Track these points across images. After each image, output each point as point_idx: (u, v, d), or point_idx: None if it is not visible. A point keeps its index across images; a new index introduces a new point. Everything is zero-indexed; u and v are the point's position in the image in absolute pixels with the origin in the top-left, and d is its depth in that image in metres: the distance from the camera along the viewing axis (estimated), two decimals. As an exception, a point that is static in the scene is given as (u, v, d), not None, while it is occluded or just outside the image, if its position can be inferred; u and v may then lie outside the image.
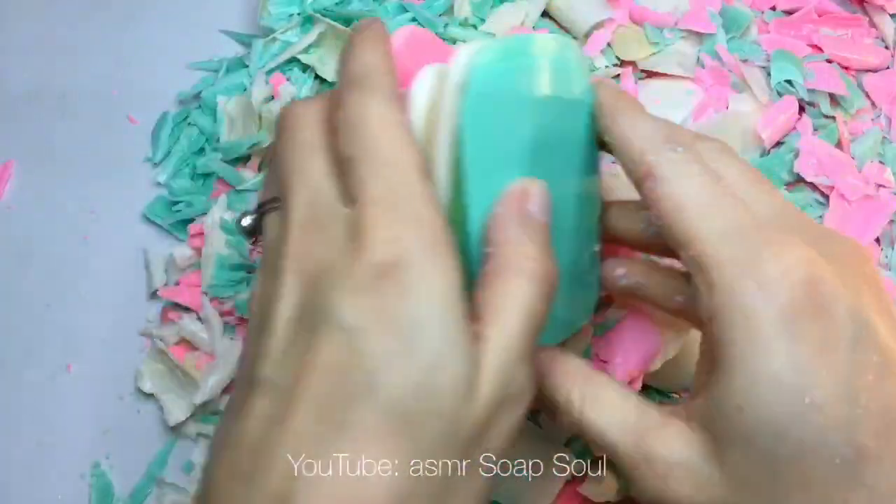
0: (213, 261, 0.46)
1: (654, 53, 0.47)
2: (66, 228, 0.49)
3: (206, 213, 0.47)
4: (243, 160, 0.48)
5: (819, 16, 0.49)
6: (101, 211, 0.49)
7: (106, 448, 0.45)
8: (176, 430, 0.45)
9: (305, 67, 0.49)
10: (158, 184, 0.49)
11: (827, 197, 0.44)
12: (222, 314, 0.45)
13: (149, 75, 0.52)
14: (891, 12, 0.49)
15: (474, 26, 0.49)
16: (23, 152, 0.51)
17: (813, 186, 0.45)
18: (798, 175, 0.45)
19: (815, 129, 0.46)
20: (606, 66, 0.48)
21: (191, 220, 0.48)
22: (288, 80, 0.48)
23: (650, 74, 0.48)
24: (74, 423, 0.46)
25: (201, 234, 0.47)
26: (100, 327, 0.47)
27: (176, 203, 0.48)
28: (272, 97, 0.48)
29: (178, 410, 0.44)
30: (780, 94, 0.46)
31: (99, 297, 0.48)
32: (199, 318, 0.46)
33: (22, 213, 0.50)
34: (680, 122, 0.45)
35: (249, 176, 0.47)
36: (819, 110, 0.46)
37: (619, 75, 0.48)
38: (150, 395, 0.45)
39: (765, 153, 0.46)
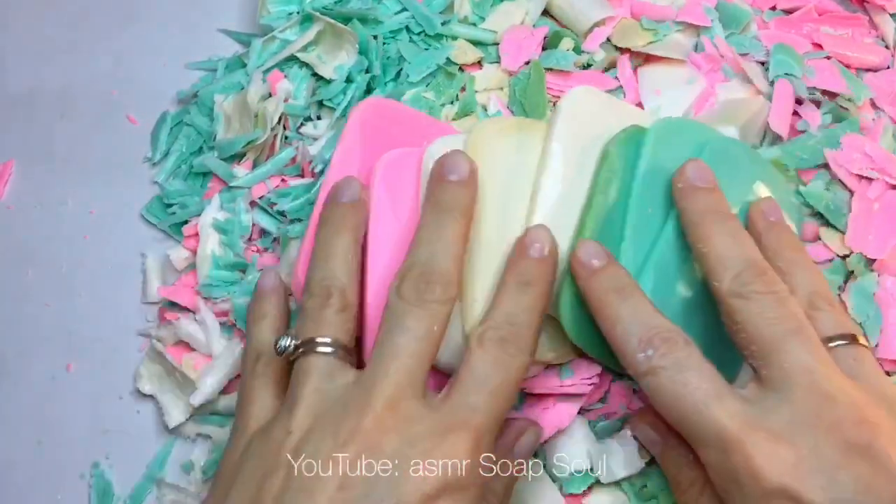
0: (209, 261, 0.46)
1: (651, 42, 0.47)
2: (66, 228, 0.49)
3: (199, 214, 0.47)
4: (238, 157, 0.48)
5: (819, 15, 0.49)
6: (101, 211, 0.49)
7: (106, 448, 0.45)
8: (175, 431, 0.45)
9: (304, 65, 0.49)
10: (156, 183, 0.49)
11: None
12: (218, 315, 0.45)
13: (148, 75, 0.52)
14: (891, 12, 0.49)
15: (474, 24, 0.49)
16: (23, 152, 0.51)
17: (841, 183, 0.45)
18: (825, 161, 0.44)
19: (837, 121, 0.46)
20: (605, 53, 0.48)
21: (185, 222, 0.48)
22: (286, 76, 0.48)
23: (647, 58, 0.47)
24: (74, 423, 0.46)
25: (197, 234, 0.47)
26: (100, 327, 0.47)
27: (170, 206, 0.48)
28: (269, 95, 0.48)
29: (176, 412, 0.44)
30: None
31: (99, 297, 0.48)
32: (196, 320, 0.46)
33: (22, 213, 0.50)
34: (683, 113, 0.45)
35: (242, 172, 0.47)
36: (834, 103, 0.46)
37: (614, 65, 0.47)
38: (149, 396, 0.45)
39: (775, 142, 0.46)
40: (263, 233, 0.46)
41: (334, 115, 0.47)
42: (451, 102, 0.47)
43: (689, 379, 0.33)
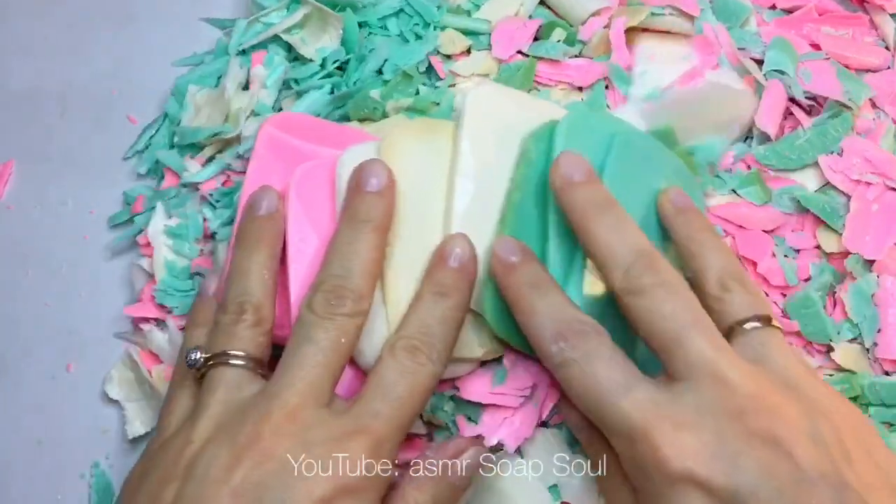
0: (163, 268, 0.46)
1: (649, 17, 0.47)
2: (66, 228, 0.49)
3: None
4: (197, 149, 0.48)
5: (819, 14, 0.49)
6: (101, 211, 0.49)
7: (106, 448, 0.45)
8: (136, 441, 0.45)
9: (287, 46, 0.48)
10: (140, 174, 0.49)
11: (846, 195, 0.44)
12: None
13: (148, 75, 0.52)
14: (891, 12, 0.48)
15: (468, 13, 0.49)
16: (23, 152, 0.51)
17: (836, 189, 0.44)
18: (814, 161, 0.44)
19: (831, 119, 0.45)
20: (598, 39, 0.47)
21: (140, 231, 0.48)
22: (265, 59, 0.48)
23: (645, 31, 0.47)
24: (74, 423, 0.46)
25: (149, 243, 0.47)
26: (99, 327, 0.47)
27: (131, 220, 0.48)
28: (247, 84, 0.48)
29: (138, 422, 0.44)
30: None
31: (98, 297, 0.48)
32: (163, 330, 0.45)
33: (22, 213, 0.50)
34: (666, 84, 0.45)
35: (195, 167, 0.47)
36: (837, 104, 0.45)
37: (606, 52, 0.47)
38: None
39: (763, 141, 0.45)
40: (215, 233, 0.46)
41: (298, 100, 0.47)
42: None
43: (598, 370, 0.34)
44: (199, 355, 0.37)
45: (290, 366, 0.35)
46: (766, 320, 0.36)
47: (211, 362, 0.36)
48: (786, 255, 0.44)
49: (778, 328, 0.36)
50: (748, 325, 0.35)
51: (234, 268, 0.39)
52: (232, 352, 0.36)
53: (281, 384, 0.35)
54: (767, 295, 0.43)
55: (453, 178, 0.40)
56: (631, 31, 0.47)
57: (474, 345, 0.39)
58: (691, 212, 0.39)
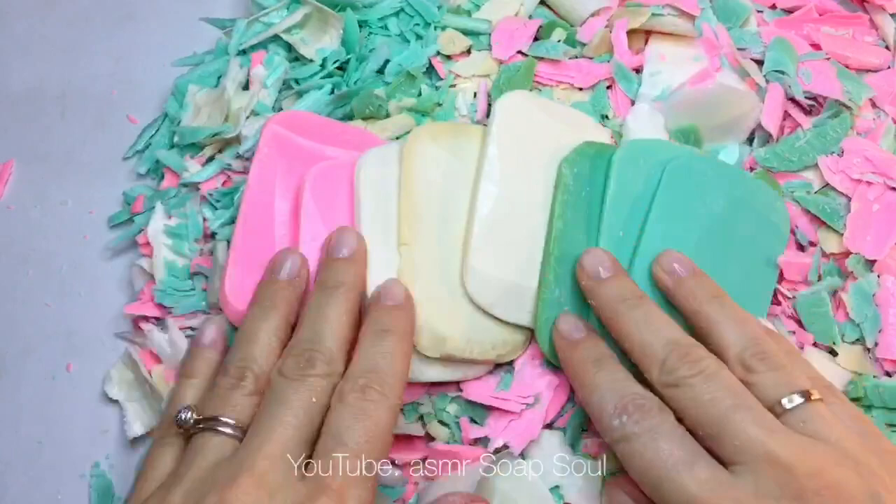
0: (163, 268, 0.46)
1: (651, 17, 0.47)
2: (66, 228, 0.49)
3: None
4: (197, 149, 0.48)
5: (820, 14, 0.49)
6: (101, 211, 0.49)
7: (106, 448, 0.45)
8: (137, 441, 0.45)
9: (287, 46, 0.48)
10: (140, 174, 0.49)
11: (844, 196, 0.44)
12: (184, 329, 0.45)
13: (148, 75, 0.52)
14: (891, 12, 0.48)
15: (468, 13, 0.49)
16: (23, 152, 0.51)
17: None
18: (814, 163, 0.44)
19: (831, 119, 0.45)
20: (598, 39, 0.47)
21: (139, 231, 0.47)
22: (265, 59, 0.48)
23: (649, 32, 0.47)
24: (74, 423, 0.46)
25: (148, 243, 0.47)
26: (100, 327, 0.47)
27: (131, 220, 0.48)
28: (247, 83, 0.48)
29: (138, 423, 0.44)
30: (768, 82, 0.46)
31: (98, 297, 0.48)
32: (163, 330, 0.45)
33: (22, 213, 0.50)
34: (677, 85, 0.45)
35: (195, 168, 0.47)
36: (837, 103, 0.45)
37: (607, 51, 0.47)
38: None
39: (764, 143, 0.45)
40: (215, 233, 0.46)
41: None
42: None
43: (660, 445, 0.34)
44: (190, 415, 0.37)
45: (260, 429, 0.35)
46: (804, 394, 0.35)
47: (200, 426, 0.36)
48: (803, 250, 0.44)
49: (816, 399, 0.35)
50: (786, 404, 0.34)
51: (244, 329, 0.39)
52: (223, 418, 0.36)
53: (252, 448, 0.34)
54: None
55: (479, 182, 0.40)
56: (638, 33, 0.47)
57: (487, 347, 0.40)
58: (692, 279, 0.38)
